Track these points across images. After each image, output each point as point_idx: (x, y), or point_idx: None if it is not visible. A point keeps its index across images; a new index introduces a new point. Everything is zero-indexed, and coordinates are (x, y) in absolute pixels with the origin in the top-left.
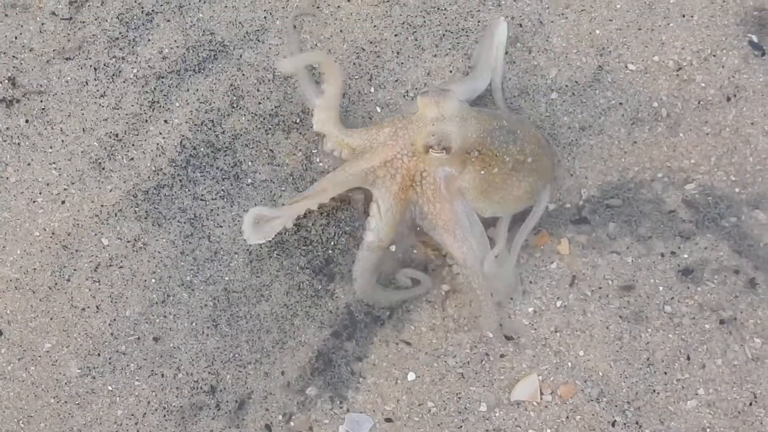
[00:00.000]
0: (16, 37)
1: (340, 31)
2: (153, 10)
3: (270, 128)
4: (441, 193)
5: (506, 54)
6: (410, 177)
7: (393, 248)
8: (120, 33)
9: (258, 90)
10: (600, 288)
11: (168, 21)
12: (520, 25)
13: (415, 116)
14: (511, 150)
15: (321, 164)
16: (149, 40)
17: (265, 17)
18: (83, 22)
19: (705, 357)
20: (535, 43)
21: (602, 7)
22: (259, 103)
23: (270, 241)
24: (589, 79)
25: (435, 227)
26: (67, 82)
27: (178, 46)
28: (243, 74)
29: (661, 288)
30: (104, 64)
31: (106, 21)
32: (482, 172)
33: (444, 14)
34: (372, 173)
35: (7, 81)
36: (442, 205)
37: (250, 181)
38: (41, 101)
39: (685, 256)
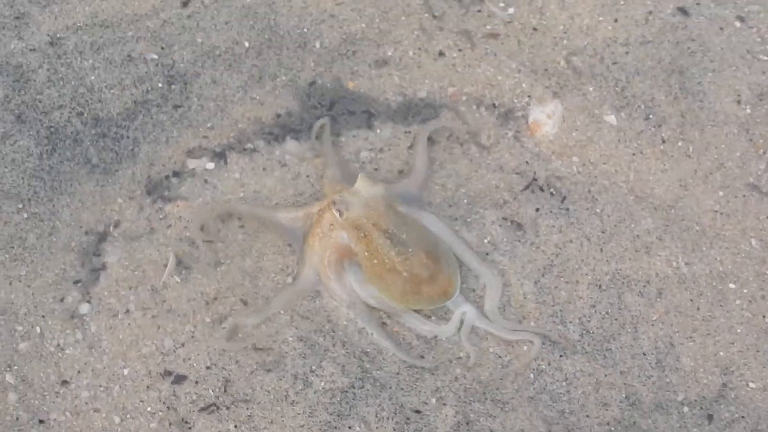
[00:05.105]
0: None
1: None
2: None
3: None
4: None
5: (649, 379)
6: (323, 226)
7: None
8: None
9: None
10: None
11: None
12: (655, 347)
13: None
14: (392, 257)
15: None
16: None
17: None
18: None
19: None
20: (667, 362)
21: (725, 331)
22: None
23: None
24: (715, 395)
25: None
26: (268, 392)
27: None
28: None
29: None
30: (298, 377)
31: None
32: (366, 253)
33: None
34: (309, 218)
35: (218, 389)
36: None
37: None
38: (247, 408)
39: None
